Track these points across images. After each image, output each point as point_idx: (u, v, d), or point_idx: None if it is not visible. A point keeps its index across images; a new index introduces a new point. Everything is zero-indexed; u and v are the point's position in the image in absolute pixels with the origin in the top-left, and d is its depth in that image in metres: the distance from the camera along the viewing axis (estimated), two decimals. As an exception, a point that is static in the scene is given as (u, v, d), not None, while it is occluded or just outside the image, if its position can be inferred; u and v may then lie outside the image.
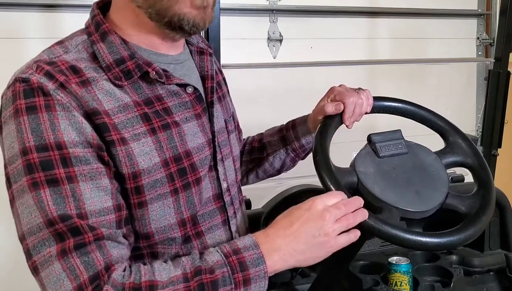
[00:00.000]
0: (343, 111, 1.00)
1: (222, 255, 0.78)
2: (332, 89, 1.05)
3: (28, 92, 0.74)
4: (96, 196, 0.74)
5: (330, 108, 1.00)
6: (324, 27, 2.31)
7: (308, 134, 1.13)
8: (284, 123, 1.20)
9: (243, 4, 2.13)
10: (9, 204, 0.77)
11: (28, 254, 0.73)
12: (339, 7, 2.31)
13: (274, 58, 2.24)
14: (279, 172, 1.22)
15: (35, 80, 0.75)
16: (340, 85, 1.06)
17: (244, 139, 1.26)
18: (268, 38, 2.22)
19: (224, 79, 1.11)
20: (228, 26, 1.91)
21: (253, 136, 1.25)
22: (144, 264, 0.78)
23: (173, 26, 0.83)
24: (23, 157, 0.73)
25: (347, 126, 1.02)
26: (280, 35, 2.23)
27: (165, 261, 0.80)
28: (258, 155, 1.20)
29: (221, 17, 1.48)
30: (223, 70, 1.16)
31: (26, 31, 1.84)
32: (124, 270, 0.74)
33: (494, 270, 1.37)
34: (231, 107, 1.09)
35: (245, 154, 1.22)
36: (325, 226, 0.81)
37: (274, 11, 2.21)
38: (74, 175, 0.73)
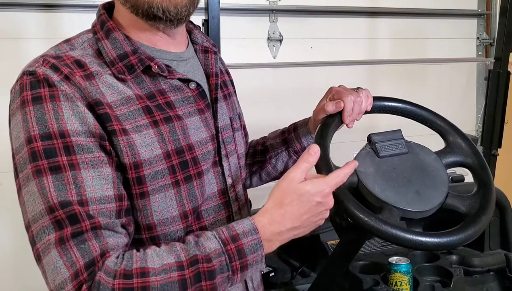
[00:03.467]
0: (342, 110, 1.00)
1: (220, 242, 0.77)
2: (330, 89, 1.06)
3: (34, 83, 0.77)
4: (97, 184, 0.76)
5: (331, 107, 1.00)
6: (324, 27, 2.31)
7: (309, 135, 1.13)
8: (287, 125, 1.20)
9: (243, 4, 2.13)
10: (17, 193, 0.78)
11: (33, 242, 0.75)
12: (339, 7, 2.30)
13: (274, 58, 2.24)
14: (282, 174, 1.22)
15: (41, 72, 0.78)
16: (339, 86, 1.06)
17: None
18: (268, 38, 2.22)
19: (231, 81, 1.12)
20: (228, 26, 1.91)
21: (257, 139, 1.25)
22: (138, 250, 0.78)
23: (150, 16, 0.84)
24: (28, 145, 0.75)
25: (347, 125, 1.02)
26: (280, 35, 2.23)
27: (159, 246, 0.79)
28: (261, 158, 1.20)
29: (221, 17, 1.48)
30: (224, 70, 1.16)
31: (26, 31, 1.84)
32: (118, 257, 0.75)
33: (494, 270, 1.38)
34: (238, 107, 1.10)
35: (248, 156, 1.22)
36: (326, 207, 0.83)
37: (274, 11, 2.21)
38: (76, 163, 0.75)
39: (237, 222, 0.81)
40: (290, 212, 0.80)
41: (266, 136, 1.23)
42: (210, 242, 0.77)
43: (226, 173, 0.95)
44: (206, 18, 1.47)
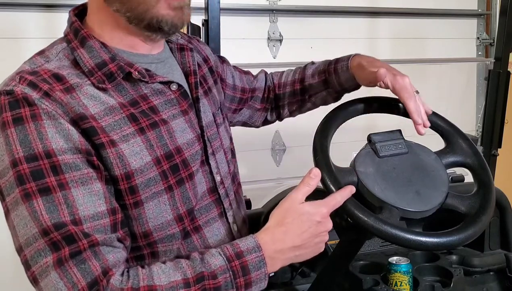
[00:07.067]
0: (409, 109, 0.99)
1: (225, 259, 0.79)
2: (396, 79, 1.05)
3: (13, 104, 0.75)
4: (89, 201, 0.75)
5: (384, 85, 1.02)
6: (324, 27, 2.31)
7: (351, 81, 1.11)
8: (321, 62, 1.21)
9: (243, 4, 2.14)
10: (4, 216, 0.76)
11: (27, 265, 0.74)
12: (339, 7, 2.31)
13: (274, 58, 2.25)
14: (318, 106, 1.26)
15: (19, 91, 0.75)
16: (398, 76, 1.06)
17: (271, 74, 1.30)
18: (268, 38, 2.22)
19: (211, 68, 1.08)
20: (228, 26, 1.91)
21: (291, 76, 1.25)
22: (143, 266, 0.78)
23: (153, 28, 0.84)
24: (13, 169, 0.73)
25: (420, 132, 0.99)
26: (280, 35, 2.23)
27: (164, 262, 0.79)
28: (300, 97, 1.23)
29: (221, 17, 1.48)
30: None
31: (26, 31, 1.85)
32: (122, 275, 0.74)
33: (494, 270, 1.37)
34: (219, 97, 1.06)
35: (287, 96, 1.24)
36: (325, 228, 0.85)
37: (274, 11, 2.21)
38: (65, 182, 0.73)
39: (241, 240, 0.83)
40: (291, 230, 0.83)
41: (299, 72, 1.24)
42: (215, 259, 0.79)
43: (214, 170, 0.95)
44: (206, 18, 1.47)
